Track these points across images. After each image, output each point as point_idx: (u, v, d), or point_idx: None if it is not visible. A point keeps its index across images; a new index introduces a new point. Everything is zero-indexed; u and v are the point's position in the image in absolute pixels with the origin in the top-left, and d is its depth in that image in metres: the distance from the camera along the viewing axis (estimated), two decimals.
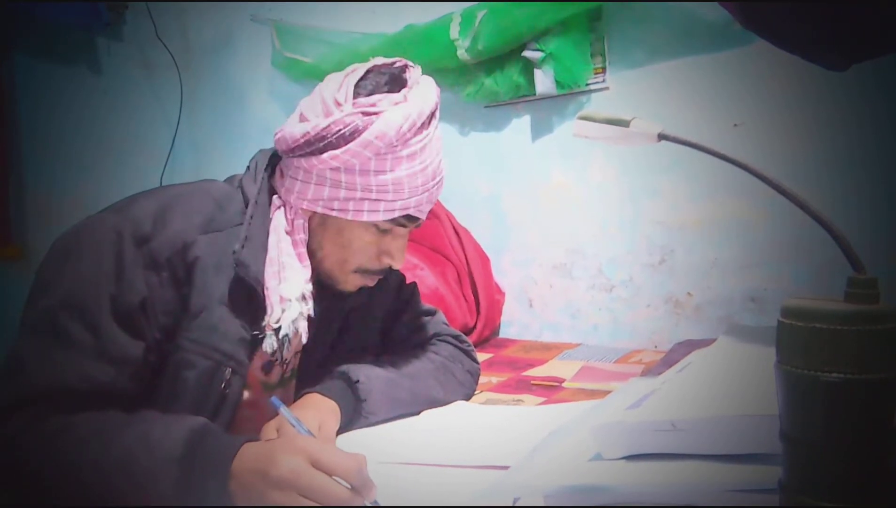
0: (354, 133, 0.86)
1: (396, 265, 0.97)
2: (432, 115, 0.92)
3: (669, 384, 0.82)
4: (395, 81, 0.92)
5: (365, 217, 0.91)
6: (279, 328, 0.89)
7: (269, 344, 0.89)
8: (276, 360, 0.96)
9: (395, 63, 0.94)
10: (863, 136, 1.52)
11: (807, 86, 1.55)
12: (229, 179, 0.99)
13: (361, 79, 0.92)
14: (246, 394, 0.95)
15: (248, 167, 0.98)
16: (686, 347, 1.38)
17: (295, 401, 0.95)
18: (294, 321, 0.89)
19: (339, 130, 0.86)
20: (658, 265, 1.81)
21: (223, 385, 0.87)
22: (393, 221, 0.93)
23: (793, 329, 0.47)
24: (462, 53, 1.87)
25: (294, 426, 0.76)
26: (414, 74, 0.94)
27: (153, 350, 0.84)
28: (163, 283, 0.84)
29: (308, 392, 0.94)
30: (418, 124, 0.89)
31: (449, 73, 1.94)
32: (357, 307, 1.06)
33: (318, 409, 0.90)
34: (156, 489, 0.69)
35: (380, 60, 0.94)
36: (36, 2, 2.08)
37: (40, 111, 2.18)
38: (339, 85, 0.91)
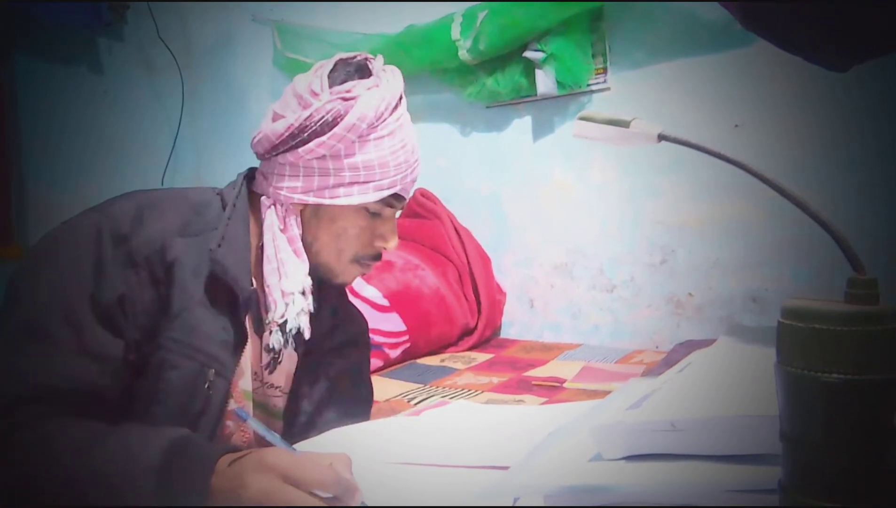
0: (336, 118, 0.89)
1: (390, 247, 0.99)
2: (401, 96, 0.96)
3: (670, 385, 0.81)
4: (363, 70, 0.96)
5: (356, 200, 0.93)
6: (285, 322, 0.90)
7: (276, 340, 0.91)
8: (278, 358, 0.96)
9: (357, 56, 0.98)
10: (863, 136, 1.52)
11: (807, 86, 1.55)
12: (211, 189, 0.99)
13: (332, 71, 0.95)
14: (237, 400, 0.95)
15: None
16: (687, 347, 1.38)
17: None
18: (298, 316, 0.90)
19: (322, 116, 0.89)
20: (659, 266, 1.81)
21: (206, 387, 0.87)
22: (382, 201, 0.95)
23: (793, 330, 0.47)
24: (463, 54, 1.87)
25: (266, 438, 0.73)
26: (377, 63, 0.97)
27: (132, 350, 0.83)
28: (141, 282, 0.83)
29: None
30: (392, 105, 0.93)
31: (450, 73, 1.94)
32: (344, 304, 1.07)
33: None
34: (134, 498, 0.68)
35: (344, 55, 0.98)
36: (36, 2, 2.08)
37: (40, 111, 2.18)
38: (311, 79, 0.95)
